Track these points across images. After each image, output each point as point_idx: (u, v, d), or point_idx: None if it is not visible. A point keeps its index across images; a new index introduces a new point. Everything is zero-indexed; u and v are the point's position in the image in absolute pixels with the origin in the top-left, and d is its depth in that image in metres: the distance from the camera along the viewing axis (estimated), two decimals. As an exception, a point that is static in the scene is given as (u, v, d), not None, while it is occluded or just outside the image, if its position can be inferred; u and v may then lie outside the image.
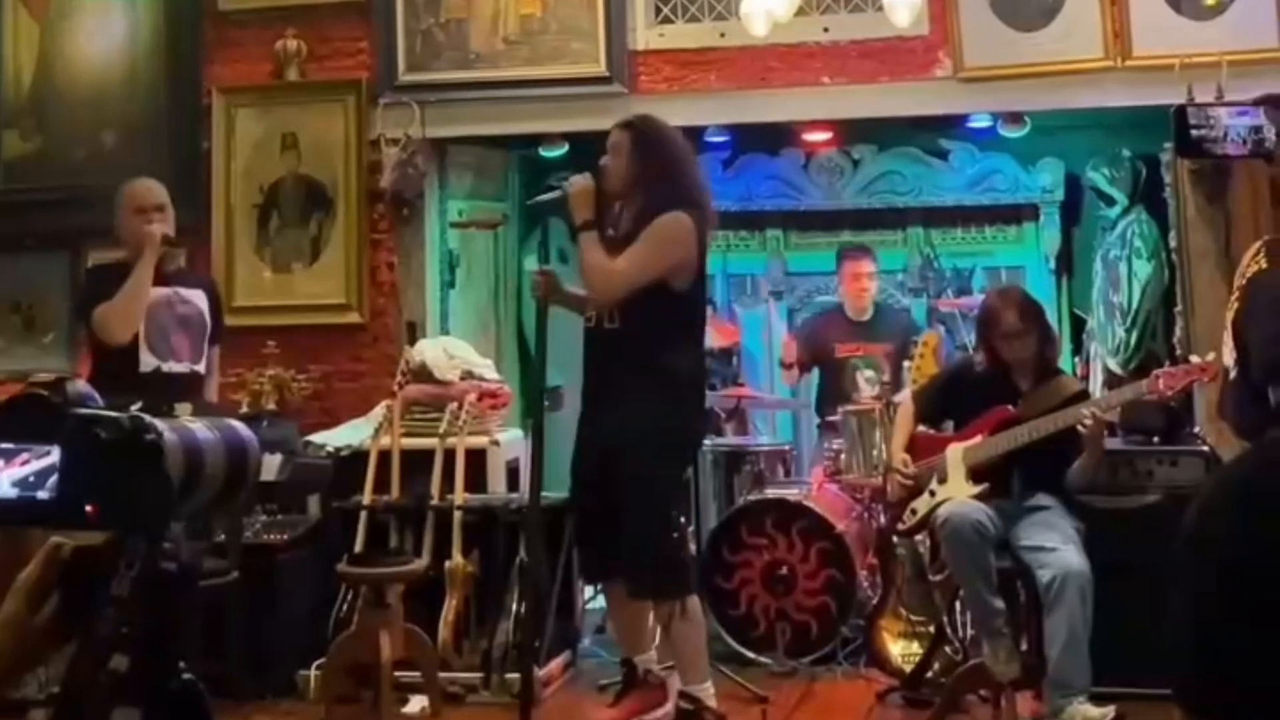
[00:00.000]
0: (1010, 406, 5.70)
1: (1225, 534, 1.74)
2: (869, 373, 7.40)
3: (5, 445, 2.14)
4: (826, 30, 7.49)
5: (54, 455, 2.14)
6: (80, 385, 2.20)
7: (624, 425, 5.32)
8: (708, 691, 5.48)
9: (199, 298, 6.17)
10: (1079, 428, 5.40)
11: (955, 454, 5.72)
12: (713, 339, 7.45)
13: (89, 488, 2.14)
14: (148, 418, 2.18)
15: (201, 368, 6.07)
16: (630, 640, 5.73)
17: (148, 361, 5.88)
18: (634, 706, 5.59)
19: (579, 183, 5.52)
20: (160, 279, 5.97)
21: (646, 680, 5.63)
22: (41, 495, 2.15)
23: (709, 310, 8.53)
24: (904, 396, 6.40)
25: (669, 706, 5.54)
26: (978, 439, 5.69)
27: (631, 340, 5.38)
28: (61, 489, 2.13)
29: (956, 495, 5.61)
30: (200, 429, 2.37)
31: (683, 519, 5.67)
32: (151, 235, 5.92)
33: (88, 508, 2.14)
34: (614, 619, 6.07)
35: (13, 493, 2.14)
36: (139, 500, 2.17)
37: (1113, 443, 6.11)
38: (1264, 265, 5.26)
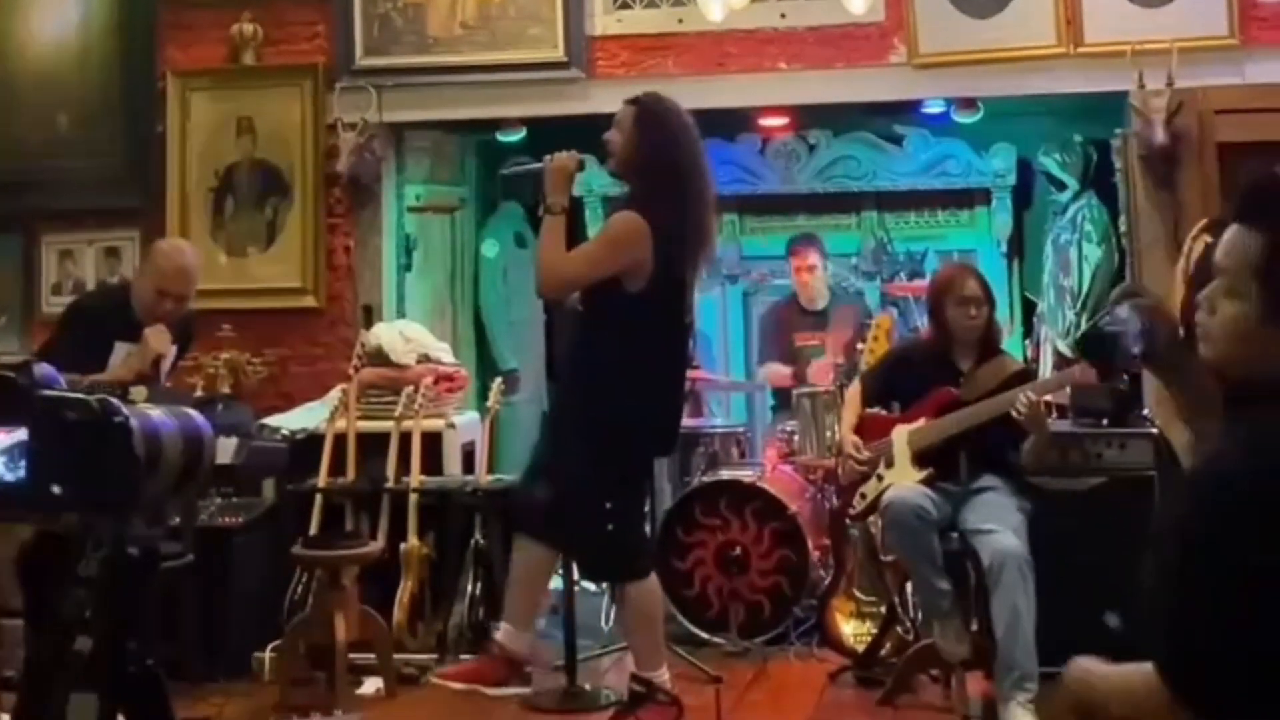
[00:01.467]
0: (953, 388, 5.75)
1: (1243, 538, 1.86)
2: (823, 361, 7.45)
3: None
4: (783, 16, 7.53)
5: (20, 435, 2.15)
6: (46, 368, 2.21)
7: (563, 414, 5.40)
8: (663, 678, 5.51)
9: (170, 353, 6.13)
10: (1013, 413, 5.44)
11: (900, 438, 5.76)
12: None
13: (58, 468, 2.16)
14: (114, 400, 2.20)
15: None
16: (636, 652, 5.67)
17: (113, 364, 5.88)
18: None
19: (560, 158, 5.47)
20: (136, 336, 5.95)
21: (656, 699, 5.51)
22: (9, 477, 2.16)
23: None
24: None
25: None
26: (920, 422, 5.73)
27: (585, 328, 5.40)
28: (30, 470, 2.14)
29: (902, 480, 5.65)
30: (159, 417, 2.39)
31: (612, 506, 5.55)
32: (146, 349, 5.90)
33: (55, 489, 2.15)
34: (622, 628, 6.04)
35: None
36: (108, 480, 2.19)
37: (1062, 425, 6.16)
38: (1210, 240, 5.30)
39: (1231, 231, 2.17)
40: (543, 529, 5.48)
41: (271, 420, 6.93)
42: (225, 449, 6.30)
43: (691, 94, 7.56)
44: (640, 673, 5.51)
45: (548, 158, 5.53)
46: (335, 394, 6.72)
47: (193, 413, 2.60)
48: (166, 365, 6.11)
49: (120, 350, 5.89)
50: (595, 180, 9.31)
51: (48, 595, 2.29)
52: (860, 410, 6.01)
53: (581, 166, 5.56)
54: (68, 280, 7.87)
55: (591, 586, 7.12)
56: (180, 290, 6.06)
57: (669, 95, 7.55)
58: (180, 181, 7.80)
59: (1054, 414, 6.33)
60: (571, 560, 5.74)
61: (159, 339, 5.94)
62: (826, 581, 6.50)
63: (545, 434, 5.68)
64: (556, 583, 6.00)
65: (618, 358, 5.36)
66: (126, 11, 7.92)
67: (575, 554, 5.60)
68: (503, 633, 5.53)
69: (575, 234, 5.65)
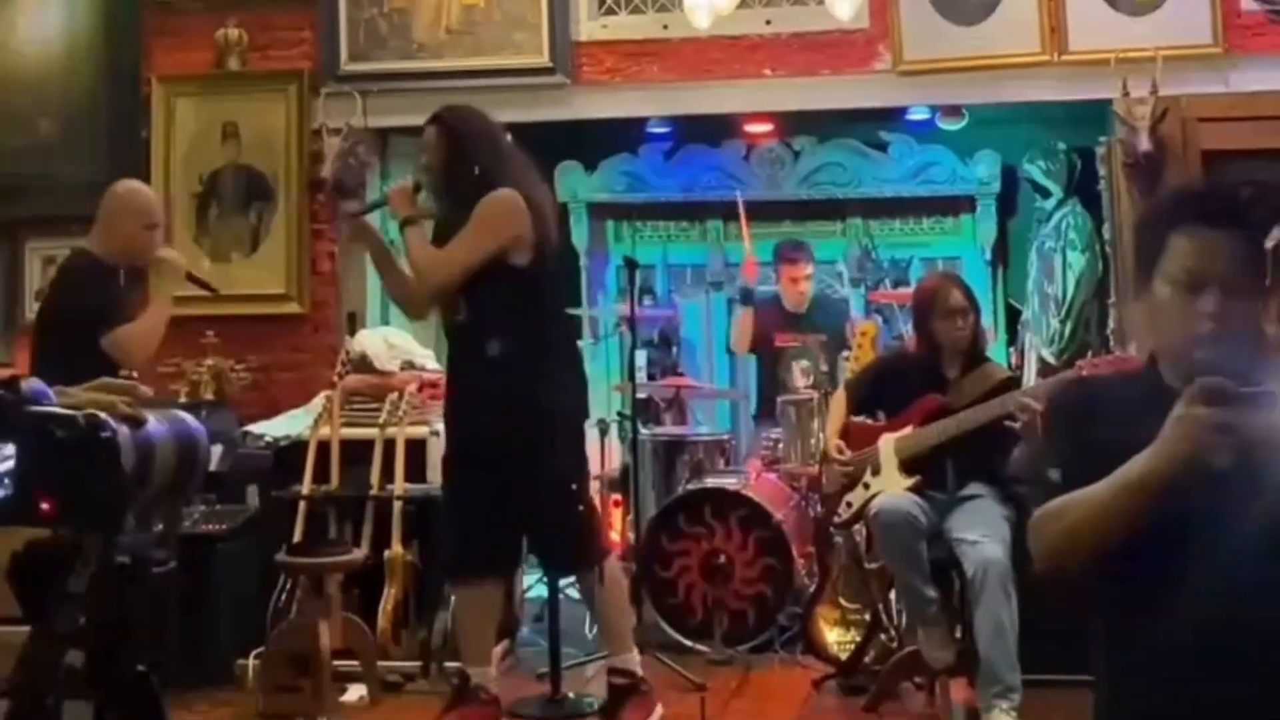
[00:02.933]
0: (939, 395, 5.76)
1: None
2: (805, 363, 7.44)
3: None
4: (769, 23, 7.53)
5: (9, 452, 2.14)
6: (34, 383, 2.20)
7: (496, 411, 5.29)
8: (635, 659, 5.56)
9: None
10: (1008, 424, 5.44)
11: (887, 446, 5.76)
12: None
13: (45, 485, 2.14)
14: (102, 415, 2.19)
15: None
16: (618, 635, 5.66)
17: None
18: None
19: (396, 187, 5.56)
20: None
21: (639, 689, 5.55)
22: (-4, 493, 2.14)
23: (648, 300, 8.65)
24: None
25: (659, 712, 5.55)
26: (908, 430, 5.74)
27: (484, 327, 5.32)
28: (17, 486, 2.13)
29: (890, 488, 5.65)
30: (151, 422, 2.38)
31: (576, 488, 5.57)
32: (176, 267, 5.90)
33: (44, 505, 2.14)
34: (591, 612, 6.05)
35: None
36: (95, 497, 2.18)
37: (1047, 435, 6.16)
38: None
39: None
40: (482, 568, 5.45)
41: (255, 427, 6.90)
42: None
43: (676, 100, 7.63)
44: (619, 661, 5.53)
45: (387, 189, 5.80)
46: (319, 401, 6.71)
47: (185, 415, 2.59)
48: None
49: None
50: (580, 186, 9.35)
51: (41, 604, 2.28)
52: (845, 418, 6.01)
53: (418, 188, 5.52)
54: (52, 288, 7.82)
55: (575, 594, 7.11)
56: (160, 216, 6.10)
57: (654, 101, 7.66)
58: (165, 187, 7.76)
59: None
60: (550, 557, 5.70)
61: (175, 254, 6.06)
62: (811, 589, 6.49)
63: (466, 455, 5.48)
64: (540, 590, 5.99)
65: (538, 337, 5.38)
66: (112, 17, 7.89)
67: (552, 549, 5.57)
68: (480, 675, 5.44)
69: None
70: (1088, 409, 2.57)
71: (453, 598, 5.78)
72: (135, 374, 5.80)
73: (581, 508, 5.51)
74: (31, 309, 7.67)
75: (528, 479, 5.31)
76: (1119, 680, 2.52)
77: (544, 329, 5.42)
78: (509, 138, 5.67)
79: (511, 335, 5.30)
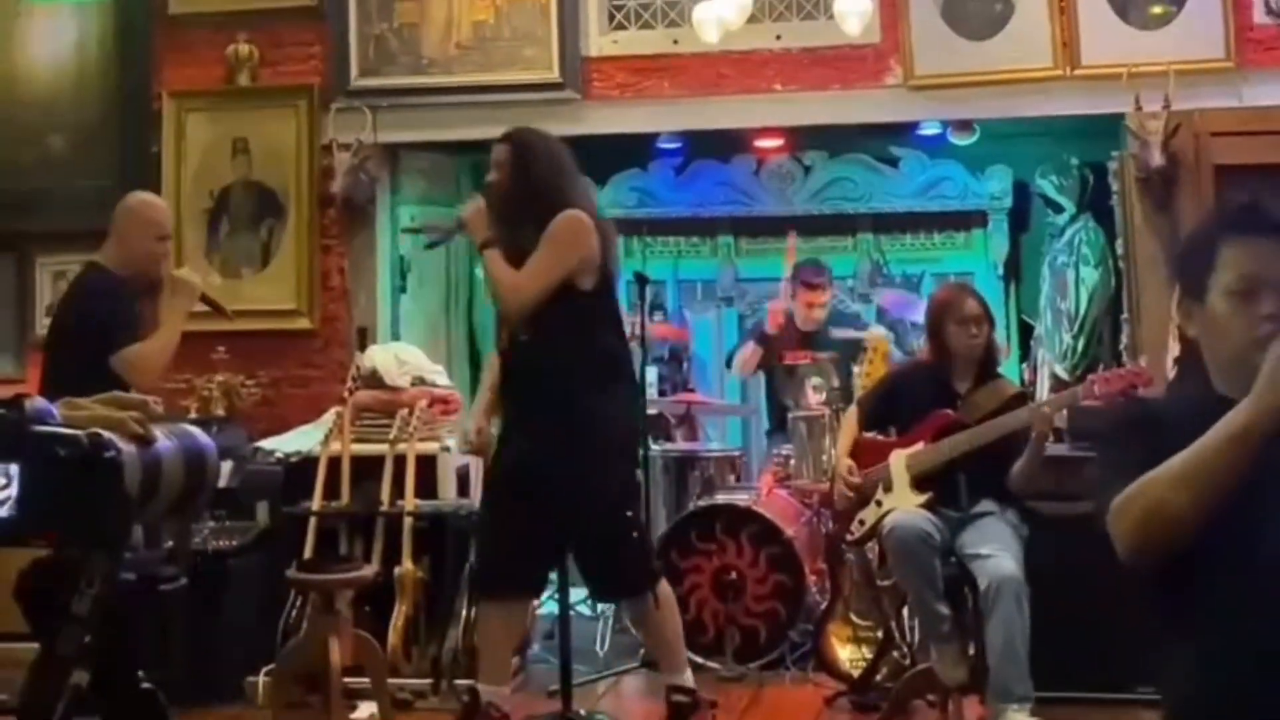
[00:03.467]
0: (950, 410, 5.73)
1: None
2: (817, 380, 7.41)
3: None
4: (779, 38, 7.53)
5: (13, 472, 2.13)
6: (38, 402, 2.18)
7: (554, 435, 5.22)
8: (690, 677, 5.52)
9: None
10: (1036, 425, 5.42)
11: (899, 462, 5.73)
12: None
13: (49, 505, 2.13)
14: (106, 435, 2.17)
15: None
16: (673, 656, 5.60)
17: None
18: None
19: (470, 207, 5.46)
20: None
21: (700, 706, 5.52)
22: (1, 512, 2.14)
23: (659, 315, 8.63)
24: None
25: None
26: (919, 446, 5.71)
27: (546, 348, 5.27)
28: (21, 506, 2.12)
29: (902, 504, 5.62)
30: (160, 438, 2.36)
31: (631, 514, 5.54)
32: (192, 286, 5.85)
33: (47, 525, 2.13)
34: (641, 635, 6.01)
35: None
36: (99, 517, 2.16)
37: (1060, 449, 6.15)
38: None
39: None
40: (513, 586, 5.38)
41: (266, 443, 6.90)
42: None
43: (687, 115, 7.62)
44: (678, 679, 5.48)
45: (459, 211, 5.59)
46: (329, 417, 6.69)
47: (194, 430, 2.57)
48: None
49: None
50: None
51: (48, 622, 2.27)
52: (857, 435, 5.99)
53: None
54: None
55: (586, 610, 7.10)
56: (171, 229, 6.14)
57: (664, 116, 7.64)
58: (175, 202, 7.75)
59: (1051, 437, 6.33)
60: (602, 585, 5.62)
61: (191, 274, 6.01)
62: (822, 606, 6.47)
63: (517, 476, 5.35)
64: (551, 607, 5.96)
65: (598, 361, 5.35)
66: (123, 33, 7.90)
67: (605, 576, 5.47)
68: (493, 694, 5.33)
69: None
70: (1157, 426, 2.56)
71: (476, 611, 5.71)
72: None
73: (635, 534, 5.46)
74: (42, 324, 7.66)
75: (580, 505, 5.22)
76: (1201, 668, 2.47)
77: (604, 353, 5.38)
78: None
79: (573, 358, 5.25)
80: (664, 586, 5.50)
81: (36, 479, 2.13)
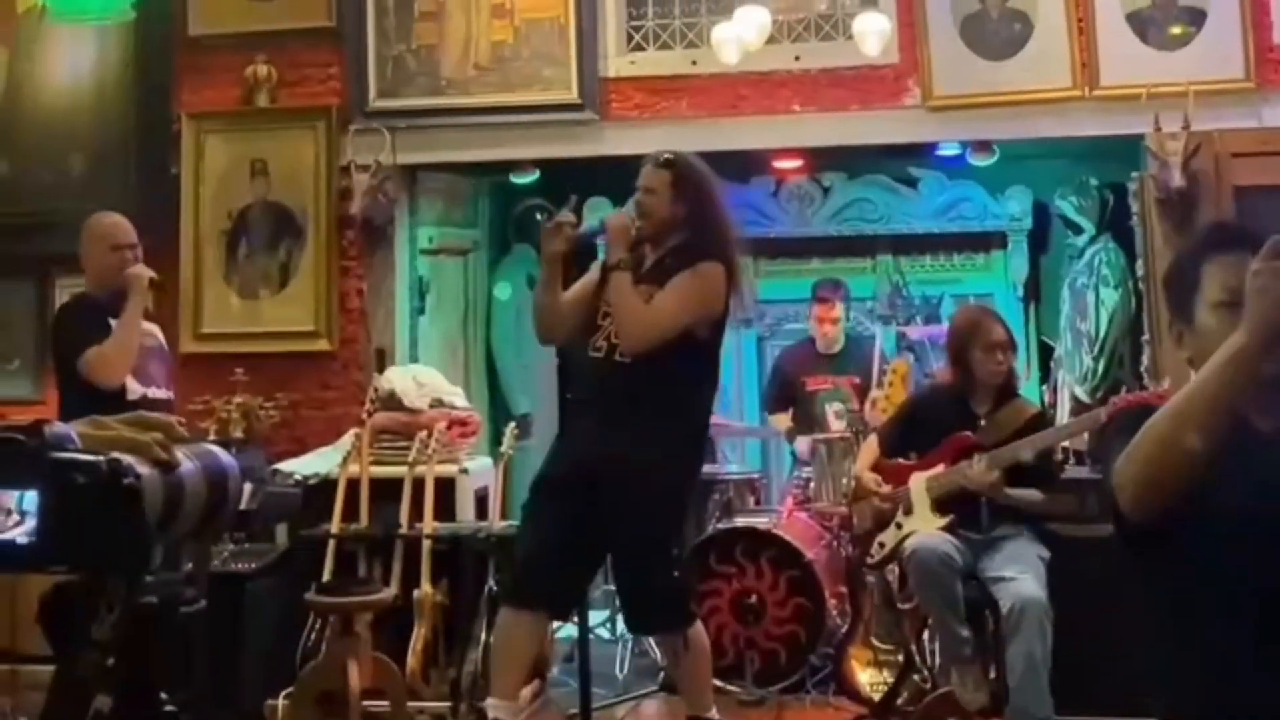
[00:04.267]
0: (970, 432, 5.72)
1: None
2: (838, 405, 7.39)
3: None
4: (797, 59, 7.52)
5: (32, 499, 2.12)
6: (58, 428, 2.17)
7: (636, 459, 5.14)
8: (716, 715, 5.48)
9: (157, 332, 6.12)
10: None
11: (919, 485, 5.72)
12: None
13: (68, 532, 2.12)
14: (126, 460, 2.16)
15: (172, 395, 6.05)
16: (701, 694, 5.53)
17: (134, 389, 5.78)
18: None
19: (617, 221, 5.36)
20: (121, 312, 5.91)
21: None
22: (20, 539, 2.13)
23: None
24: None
25: None
26: (940, 468, 5.70)
27: (648, 378, 5.19)
28: (40, 532, 2.11)
29: (923, 527, 5.61)
30: (181, 459, 2.35)
31: (677, 553, 5.52)
32: (140, 279, 5.86)
33: (66, 552, 2.12)
34: (669, 668, 5.87)
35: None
36: (118, 544, 2.15)
37: (1080, 471, 6.13)
38: None
39: None
40: (539, 598, 5.33)
41: (284, 465, 6.88)
42: (239, 494, 6.24)
43: (705, 136, 7.59)
44: (703, 714, 5.44)
45: (603, 218, 5.48)
46: (348, 439, 6.68)
47: (217, 450, 2.56)
48: (161, 342, 6.14)
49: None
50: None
51: (70, 646, 2.26)
52: (877, 461, 5.97)
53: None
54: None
55: (605, 634, 7.08)
56: (129, 238, 6.04)
57: (682, 138, 7.63)
58: (194, 224, 7.79)
59: (1072, 459, 6.31)
60: (638, 616, 5.53)
61: (142, 268, 5.92)
62: (843, 629, 6.46)
63: (572, 492, 5.27)
64: (570, 630, 5.94)
65: (694, 406, 5.36)
66: (142, 55, 7.92)
67: (642, 609, 5.40)
68: (502, 709, 5.31)
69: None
70: None
71: (497, 620, 5.54)
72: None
73: (676, 573, 5.41)
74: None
75: (635, 525, 5.18)
76: (1203, 631, 2.54)
77: (693, 406, 5.37)
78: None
79: (665, 399, 5.21)
80: (697, 630, 5.45)
81: (55, 506, 2.11)
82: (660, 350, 5.17)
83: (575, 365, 5.47)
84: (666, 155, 5.48)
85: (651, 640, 5.68)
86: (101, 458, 2.15)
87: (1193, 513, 2.37)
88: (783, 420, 7.95)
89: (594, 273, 5.43)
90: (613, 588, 6.46)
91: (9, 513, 2.12)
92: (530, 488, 5.47)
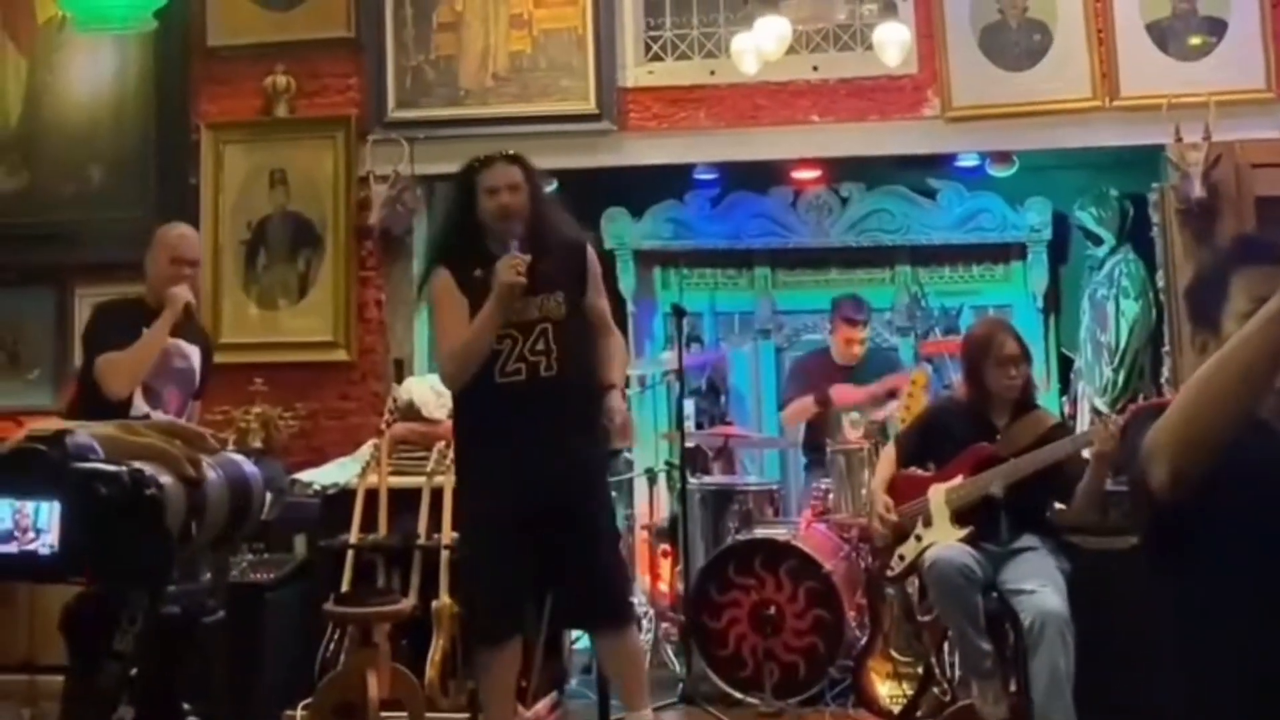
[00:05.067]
0: (988, 444, 5.70)
1: None
2: (854, 415, 7.36)
3: (6, 499, 2.12)
4: (816, 69, 7.52)
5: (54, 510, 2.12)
6: (80, 438, 2.17)
7: (581, 467, 5.21)
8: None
9: (195, 355, 6.10)
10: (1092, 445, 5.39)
11: (938, 496, 5.70)
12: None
13: (90, 543, 2.12)
14: (148, 471, 2.16)
15: (183, 421, 6.03)
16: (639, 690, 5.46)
17: (139, 407, 5.79)
18: None
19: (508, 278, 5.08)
20: None
21: None
22: (42, 550, 2.13)
23: (696, 348, 8.59)
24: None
25: None
26: (958, 479, 5.68)
27: (576, 381, 5.21)
28: (62, 543, 2.11)
29: (942, 539, 5.59)
30: (205, 469, 2.35)
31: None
32: (175, 299, 5.87)
33: (87, 563, 2.12)
34: (613, 668, 5.61)
35: (12, 547, 2.12)
36: (140, 555, 2.15)
37: (1100, 482, 6.12)
38: None
39: None
40: (517, 627, 5.30)
41: (303, 475, 6.88)
42: (257, 504, 6.24)
43: (723, 146, 7.61)
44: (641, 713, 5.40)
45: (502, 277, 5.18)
46: (367, 449, 6.68)
47: (240, 459, 2.56)
48: (194, 365, 6.11)
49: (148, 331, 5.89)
50: (627, 233, 9.33)
51: (92, 656, 2.26)
52: (895, 471, 5.95)
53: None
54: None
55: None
56: (191, 254, 6.09)
57: (700, 147, 7.64)
58: (213, 234, 7.80)
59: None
60: (603, 612, 5.39)
61: (184, 290, 5.93)
62: (862, 641, 6.43)
63: (524, 521, 5.15)
64: (587, 642, 5.92)
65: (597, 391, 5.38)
66: (161, 65, 7.94)
67: (614, 604, 5.36)
68: None
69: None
70: None
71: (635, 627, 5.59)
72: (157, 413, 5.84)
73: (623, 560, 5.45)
74: (80, 355, 7.68)
75: (589, 536, 5.18)
76: (1230, 637, 2.54)
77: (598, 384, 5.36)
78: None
79: (590, 391, 5.21)
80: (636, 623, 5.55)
81: (77, 517, 2.11)
82: (578, 354, 5.22)
83: (468, 398, 5.30)
84: (508, 151, 5.44)
85: (593, 640, 5.55)
86: (124, 468, 2.15)
87: (1218, 509, 2.38)
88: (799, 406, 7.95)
89: (450, 294, 5.28)
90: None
91: (30, 524, 2.11)
92: (473, 524, 5.42)
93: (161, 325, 5.84)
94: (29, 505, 2.10)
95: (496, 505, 5.20)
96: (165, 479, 2.21)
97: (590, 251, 5.36)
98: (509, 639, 5.26)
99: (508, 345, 5.17)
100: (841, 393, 7.63)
